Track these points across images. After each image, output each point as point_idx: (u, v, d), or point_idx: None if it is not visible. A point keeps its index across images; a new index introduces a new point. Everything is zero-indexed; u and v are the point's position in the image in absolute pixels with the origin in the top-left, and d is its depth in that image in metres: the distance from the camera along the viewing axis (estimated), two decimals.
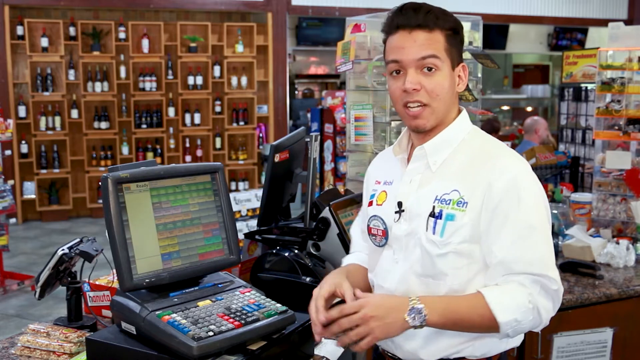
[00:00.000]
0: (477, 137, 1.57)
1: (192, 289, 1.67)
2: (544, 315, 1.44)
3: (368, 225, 1.63)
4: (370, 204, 1.65)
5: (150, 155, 8.95)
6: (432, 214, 1.48)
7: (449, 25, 1.50)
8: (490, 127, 7.01)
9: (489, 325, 1.42)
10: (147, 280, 1.59)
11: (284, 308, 1.66)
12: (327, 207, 2.20)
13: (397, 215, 1.55)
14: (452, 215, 1.46)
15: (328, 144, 6.75)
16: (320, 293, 1.48)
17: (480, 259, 1.48)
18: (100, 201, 2.00)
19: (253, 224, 2.83)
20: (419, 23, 1.47)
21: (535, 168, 3.73)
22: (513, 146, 6.35)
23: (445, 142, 1.54)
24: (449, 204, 1.47)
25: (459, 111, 1.58)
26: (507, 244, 1.44)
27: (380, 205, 1.61)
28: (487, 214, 1.45)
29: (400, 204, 1.55)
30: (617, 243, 2.83)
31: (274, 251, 2.09)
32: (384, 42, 1.56)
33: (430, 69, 1.47)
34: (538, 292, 1.43)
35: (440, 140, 1.53)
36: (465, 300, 1.44)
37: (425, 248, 1.49)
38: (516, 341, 1.58)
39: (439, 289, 1.49)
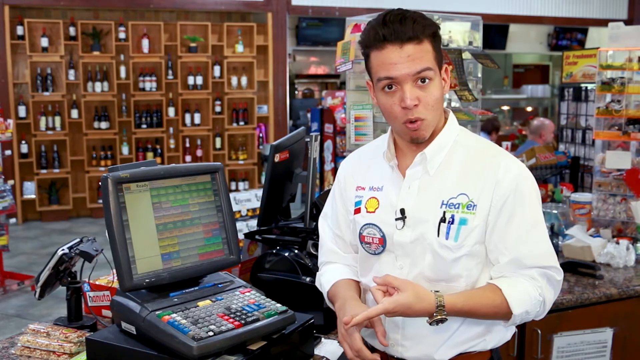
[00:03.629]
0: (467, 137, 1.59)
1: (192, 289, 1.67)
2: (547, 306, 1.52)
3: (360, 234, 1.60)
4: (358, 211, 1.61)
5: (150, 155, 8.95)
6: (442, 220, 1.49)
7: (432, 30, 1.46)
8: (491, 125, 7.12)
9: (502, 317, 1.49)
10: (147, 280, 1.59)
11: (284, 308, 1.66)
12: None
13: (401, 222, 1.53)
14: (464, 219, 1.48)
15: (328, 144, 6.74)
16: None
17: (485, 256, 1.52)
18: (100, 201, 2.00)
19: (253, 224, 2.83)
20: (409, 36, 1.41)
21: (535, 168, 3.74)
22: (514, 146, 6.38)
23: (441, 146, 1.55)
24: (458, 208, 1.49)
25: (446, 113, 1.60)
26: (516, 241, 1.48)
27: (373, 212, 1.58)
28: (494, 212, 1.49)
29: (402, 211, 1.53)
30: (617, 243, 2.83)
31: (274, 251, 2.09)
32: (367, 55, 1.49)
33: (424, 81, 1.44)
34: (546, 284, 1.50)
35: (438, 144, 1.54)
36: (483, 295, 1.48)
37: (438, 253, 1.50)
38: (501, 340, 1.60)
39: (450, 291, 1.50)
